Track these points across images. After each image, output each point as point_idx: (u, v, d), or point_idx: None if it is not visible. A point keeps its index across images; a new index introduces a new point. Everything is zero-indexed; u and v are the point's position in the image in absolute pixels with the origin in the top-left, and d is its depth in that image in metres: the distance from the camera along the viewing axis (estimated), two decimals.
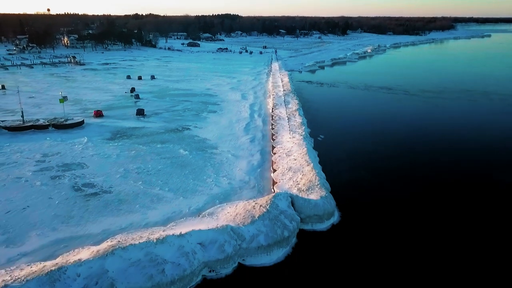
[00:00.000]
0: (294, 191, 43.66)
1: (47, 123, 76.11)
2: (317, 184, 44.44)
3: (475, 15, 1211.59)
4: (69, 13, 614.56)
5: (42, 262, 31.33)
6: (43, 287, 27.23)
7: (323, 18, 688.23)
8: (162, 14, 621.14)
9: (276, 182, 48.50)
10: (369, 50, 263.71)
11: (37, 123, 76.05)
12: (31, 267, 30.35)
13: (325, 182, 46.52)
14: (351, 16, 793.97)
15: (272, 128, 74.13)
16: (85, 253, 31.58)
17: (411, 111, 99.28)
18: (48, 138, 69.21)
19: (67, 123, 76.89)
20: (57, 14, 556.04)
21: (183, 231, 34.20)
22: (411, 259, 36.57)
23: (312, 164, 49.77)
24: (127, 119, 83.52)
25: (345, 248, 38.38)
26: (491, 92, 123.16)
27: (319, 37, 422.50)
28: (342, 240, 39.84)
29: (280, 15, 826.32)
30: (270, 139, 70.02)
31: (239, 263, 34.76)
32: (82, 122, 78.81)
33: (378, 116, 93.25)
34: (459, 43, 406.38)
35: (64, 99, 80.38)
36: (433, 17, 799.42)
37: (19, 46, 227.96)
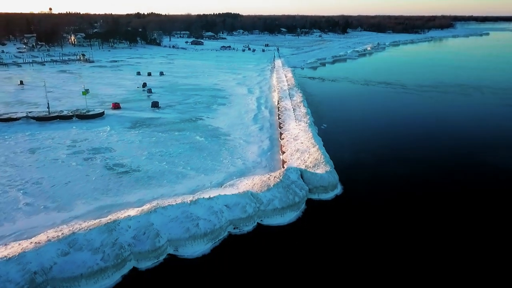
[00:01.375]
0: (303, 167, 50.06)
1: (71, 114, 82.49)
2: (323, 162, 50.85)
3: (475, 14, 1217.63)
4: (70, 12, 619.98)
5: (97, 219, 37.71)
6: (103, 235, 33.61)
7: (323, 17, 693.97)
8: (163, 13, 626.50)
9: (286, 162, 54.85)
10: (368, 48, 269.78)
11: (61, 114, 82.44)
12: (88, 222, 36.74)
13: (329, 160, 52.92)
14: (351, 15, 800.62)
15: (279, 118, 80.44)
16: (131, 212, 38.00)
17: (407, 103, 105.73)
18: (74, 127, 75.56)
19: (89, 113, 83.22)
20: (59, 13, 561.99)
21: (211, 195, 40.63)
22: (404, 225, 43.00)
23: (317, 146, 56.22)
24: (143, 111, 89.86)
25: (347, 215, 44.74)
26: (484, 86, 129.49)
27: (320, 36, 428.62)
28: (344, 208, 46.27)
29: (280, 14, 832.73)
30: (277, 128, 76.33)
31: (258, 223, 41.23)
32: (103, 113, 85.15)
33: (377, 107, 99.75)
34: (457, 41, 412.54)
35: (86, 91, 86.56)
36: (432, 16, 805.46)
37: (28, 45, 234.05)
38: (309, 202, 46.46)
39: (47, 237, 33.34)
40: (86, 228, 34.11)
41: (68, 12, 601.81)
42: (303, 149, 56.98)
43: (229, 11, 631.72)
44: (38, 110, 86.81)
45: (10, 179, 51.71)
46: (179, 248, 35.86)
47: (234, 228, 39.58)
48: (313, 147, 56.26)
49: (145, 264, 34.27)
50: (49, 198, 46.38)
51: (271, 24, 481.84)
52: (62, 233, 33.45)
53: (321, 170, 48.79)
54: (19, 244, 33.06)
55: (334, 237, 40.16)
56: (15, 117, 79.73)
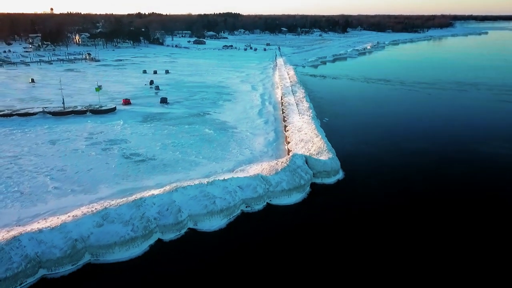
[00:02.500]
0: (307, 154, 54.24)
1: (85, 109, 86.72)
2: (325, 150, 55.07)
3: (475, 13, 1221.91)
4: (71, 12, 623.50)
5: (124, 198, 41.91)
6: (131, 210, 37.82)
7: (323, 16, 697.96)
8: (164, 13, 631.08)
9: (291, 151, 59.00)
10: (368, 47, 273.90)
11: (76, 109, 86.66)
12: (116, 200, 40.92)
13: (332, 149, 57.13)
14: (351, 14, 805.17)
15: (283, 112, 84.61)
16: (154, 192, 42.19)
17: (405, 99, 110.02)
18: (89, 121, 79.76)
19: (102, 109, 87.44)
20: (60, 14, 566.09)
21: (225, 178, 44.84)
22: (399, 208, 47.24)
23: (320, 136, 60.46)
24: (153, 106, 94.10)
25: (348, 198, 48.96)
26: (480, 83, 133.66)
27: (320, 35, 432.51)
28: (345, 191, 50.52)
29: (280, 13, 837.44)
30: (281, 121, 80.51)
31: (267, 202, 45.47)
32: (115, 108, 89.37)
33: (376, 102, 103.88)
34: (456, 40, 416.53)
35: (99, 88, 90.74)
36: (432, 15, 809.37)
37: (34, 44, 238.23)
38: (313, 185, 50.72)
39: (82, 212, 37.54)
40: (116, 204, 38.33)
41: (69, 12, 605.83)
42: (307, 139, 61.19)
43: (229, 11, 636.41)
44: (53, 105, 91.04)
45: (37, 166, 55.91)
46: (198, 223, 40.08)
47: (246, 207, 43.82)
48: (316, 137, 60.48)
49: (169, 236, 38.50)
50: (75, 183, 50.54)
51: (272, 24, 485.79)
52: (95, 209, 37.66)
53: (324, 157, 53.02)
54: (58, 217, 37.26)
55: (336, 217, 44.32)
56: (32, 112, 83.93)
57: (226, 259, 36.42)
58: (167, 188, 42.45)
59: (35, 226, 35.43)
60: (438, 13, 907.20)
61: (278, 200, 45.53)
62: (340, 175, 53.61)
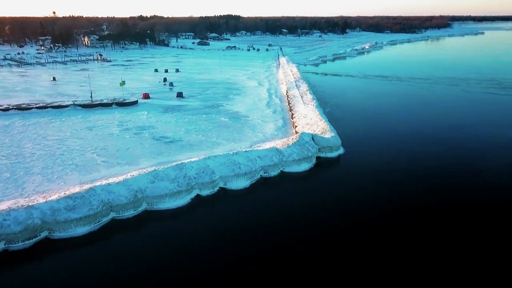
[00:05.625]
0: (313, 133, 64.02)
1: (111, 102, 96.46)
2: (328, 130, 64.86)
3: (473, 14, 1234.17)
4: (74, 15, 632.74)
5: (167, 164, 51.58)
6: (175, 171, 47.47)
7: (323, 17, 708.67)
8: (166, 15, 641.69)
9: (298, 133, 68.68)
10: (367, 47, 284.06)
11: (102, 102, 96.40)
12: (161, 166, 50.57)
13: (334, 129, 66.95)
14: (350, 15, 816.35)
15: (289, 103, 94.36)
16: (191, 159, 51.87)
17: (401, 92, 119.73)
18: (116, 112, 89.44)
19: (125, 102, 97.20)
20: (63, 17, 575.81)
21: (247, 150, 54.59)
22: (392, 179, 56.90)
23: (324, 120, 70.27)
24: (170, 100, 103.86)
25: (347, 168, 58.66)
26: (470, 78, 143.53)
27: (320, 36, 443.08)
28: (345, 164, 60.26)
29: (280, 15, 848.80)
30: (288, 111, 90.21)
31: (281, 170, 55.18)
32: (137, 101, 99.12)
33: (373, 95, 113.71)
34: (452, 39, 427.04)
35: (123, 83, 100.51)
36: (430, 16, 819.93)
37: (45, 46, 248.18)
38: (318, 158, 60.57)
39: (136, 173, 47.19)
40: (162, 167, 47.99)
41: (72, 16, 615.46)
42: (312, 122, 70.93)
43: (230, 13, 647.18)
44: (81, 99, 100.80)
45: (82, 146, 65.55)
46: (227, 183, 49.78)
47: (264, 173, 53.54)
48: (320, 120, 70.25)
49: (205, 192, 48.21)
50: (118, 158, 60.12)
51: (273, 25, 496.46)
52: (147, 170, 47.33)
53: (328, 135, 62.83)
54: (116, 178, 46.91)
55: (336, 182, 54.01)
56: (64, 104, 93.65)
57: (250, 211, 45.99)
58: (201, 157, 52.16)
59: (103, 182, 45.05)
60: (437, 14, 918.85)
61: (290, 168, 55.24)
62: (341, 151, 63.38)
